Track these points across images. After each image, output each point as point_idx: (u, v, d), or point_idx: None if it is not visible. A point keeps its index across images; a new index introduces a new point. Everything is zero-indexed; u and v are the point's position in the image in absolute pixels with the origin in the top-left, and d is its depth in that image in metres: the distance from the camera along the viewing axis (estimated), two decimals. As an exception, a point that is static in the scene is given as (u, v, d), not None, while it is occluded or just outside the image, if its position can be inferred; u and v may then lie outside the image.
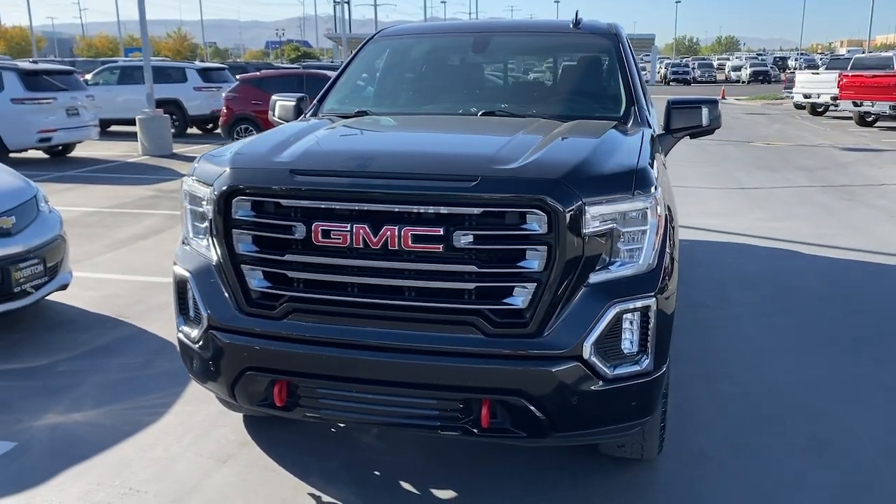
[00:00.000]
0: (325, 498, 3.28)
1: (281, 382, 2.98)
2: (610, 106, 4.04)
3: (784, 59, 71.67)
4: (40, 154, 14.73)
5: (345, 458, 3.58)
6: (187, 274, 3.16)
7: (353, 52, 4.75)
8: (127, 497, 3.27)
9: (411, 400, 2.87)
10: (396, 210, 2.77)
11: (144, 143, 15.40)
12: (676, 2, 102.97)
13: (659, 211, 2.92)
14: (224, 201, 2.97)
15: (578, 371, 2.77)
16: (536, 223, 2.72)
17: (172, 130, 16.42)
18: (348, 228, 2.79)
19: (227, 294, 3.04)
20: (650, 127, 3.87)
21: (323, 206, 2.84)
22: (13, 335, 5.15)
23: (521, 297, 2.77)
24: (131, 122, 16.05)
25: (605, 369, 2.80)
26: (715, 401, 4.23)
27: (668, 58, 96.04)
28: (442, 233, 2.73)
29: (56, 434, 3.82)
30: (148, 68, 15.78)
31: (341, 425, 3.79)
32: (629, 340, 2.85)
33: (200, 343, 3.12)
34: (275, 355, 2.97)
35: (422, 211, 2.75)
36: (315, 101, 4.44)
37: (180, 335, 3.27)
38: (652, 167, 3.04)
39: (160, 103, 16.46)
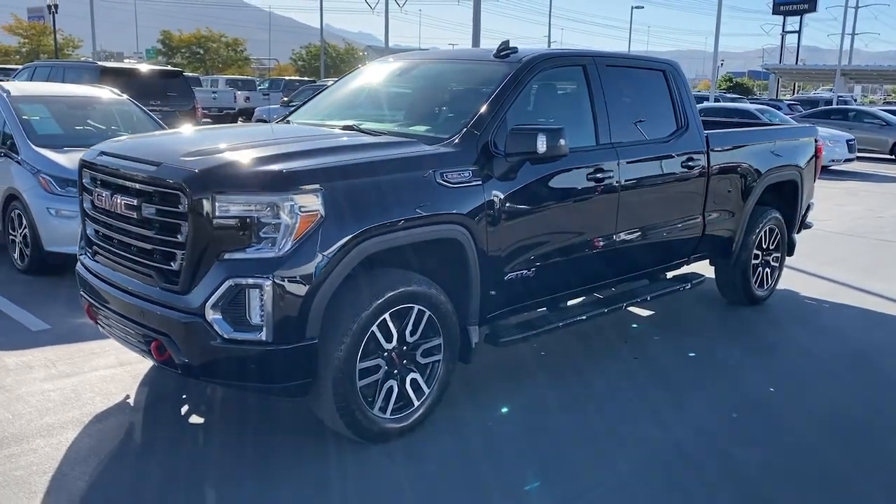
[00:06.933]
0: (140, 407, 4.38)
1: (89, 304, 4.19)
2: (444, 127, 4.34)
3: None
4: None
5: (213, 394, 4.55)
6: (80, 222, 4.57)
7: (346, 74, 5.66)
8: (49, 364, 4.82)
9: (130, 331, 3.84)
10: (121, 183, 3.79)
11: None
12: None
13: (299, 209, 3.40)
14: (80, 171, 4.29)
15: (201, 327, 3.47)
16: (181, 205, 3.49)
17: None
18: (104, 195, 3.89)
19: (82, 236, 4.36)
20: (474, 150, 4.06)
21: (98, 178, 4.00)
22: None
23: (175, 261, 3.57)
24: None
25: (221, 330, 3.44)
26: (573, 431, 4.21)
27: None
28: (136, 203, 3.68)
29: (80, 329, 5.50)
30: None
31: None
32: (253, 312, 3.43)
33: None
34: (85, 283, 4.21)
35: (127, 185, 3.73)
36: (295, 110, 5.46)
37: None
38: (318, 175, 3.52)
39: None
